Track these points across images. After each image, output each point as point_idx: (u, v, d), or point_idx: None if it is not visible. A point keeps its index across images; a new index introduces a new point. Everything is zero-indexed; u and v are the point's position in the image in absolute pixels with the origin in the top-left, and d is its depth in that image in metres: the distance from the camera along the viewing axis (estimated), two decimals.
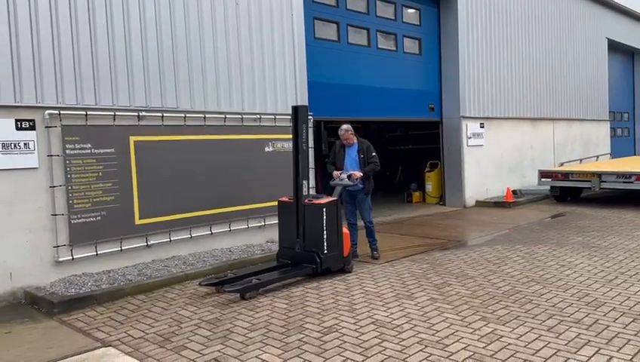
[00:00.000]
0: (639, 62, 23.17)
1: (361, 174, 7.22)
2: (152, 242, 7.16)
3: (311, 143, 8.18)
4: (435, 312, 5.21)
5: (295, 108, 6.72)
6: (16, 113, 6.05)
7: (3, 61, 5.96)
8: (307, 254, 6.55)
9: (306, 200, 6.65)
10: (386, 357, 4.21)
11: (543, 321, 4.87)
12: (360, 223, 7.64)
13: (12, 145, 6.01)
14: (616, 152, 20.13)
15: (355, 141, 7.51)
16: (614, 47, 20.42)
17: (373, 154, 7.41)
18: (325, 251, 6.54)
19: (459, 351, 4.28)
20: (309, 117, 7.51)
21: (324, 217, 6.53)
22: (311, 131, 8.43)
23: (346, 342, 4.54)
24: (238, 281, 6.05)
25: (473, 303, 5.46)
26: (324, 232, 6.53)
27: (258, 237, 8.41)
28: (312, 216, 6.57)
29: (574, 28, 17.59)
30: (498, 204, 12.98)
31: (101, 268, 6.68)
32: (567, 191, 13.49)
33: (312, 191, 7.67)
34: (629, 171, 12.31)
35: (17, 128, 6.04)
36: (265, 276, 6.30)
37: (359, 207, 7.55)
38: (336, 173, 7.36)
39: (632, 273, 6.45)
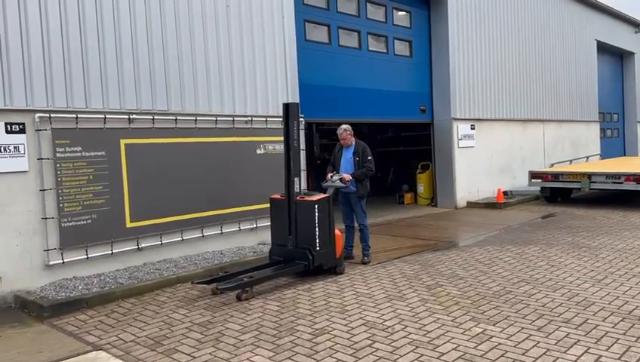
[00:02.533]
0: (628, 64, 23.39)
1: (350, 177, 7.18)
2: (143, 245, 7.14)
3: (303, 145, 8.18)
4: (426, 313, 5.24)
5: (286, 106, 6.72)
6: (6, 116, 6.02)
7: None
8: (299, 251, 6.55)
9: (298, 197, 6.66)
10: (377, 358, 4.23)
11: (533, 321, 4.91)
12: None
13: (2, 148, 5.97)
14: (606, 153, 20.30)
15: (353, 142, 7.46)
16: (603, 48, 20.61)
17: (369, 158, 7.31)
18: (317, 248, 6.53)
19: (449, 351, 4.30)
20: (301, 119, 7.52)
21: (317, 214, 6.52)
22: (302, 133, 8.44)
23: (337, 343, 4.55)
24: (231, 279, 6.05)
25: (464, 304, 5.49)
26: (317, 229, 6.52)
27: (250, 240, 8.41)
28: (304, 213, 6.56)
29: (564, 30, 17.75)
30: (489, 205, 13.06)
31: (92, 271, 6.65)
32: (558, 192, 13.60)
33: None
34: (619, 172, 12.45)
35: (7, 131, 6.00)
36: (258, 273, 6.29)
37: (353, 209, 7.54)
38: (329, 174, 7.37)
39: (621, 273, 6.51)
